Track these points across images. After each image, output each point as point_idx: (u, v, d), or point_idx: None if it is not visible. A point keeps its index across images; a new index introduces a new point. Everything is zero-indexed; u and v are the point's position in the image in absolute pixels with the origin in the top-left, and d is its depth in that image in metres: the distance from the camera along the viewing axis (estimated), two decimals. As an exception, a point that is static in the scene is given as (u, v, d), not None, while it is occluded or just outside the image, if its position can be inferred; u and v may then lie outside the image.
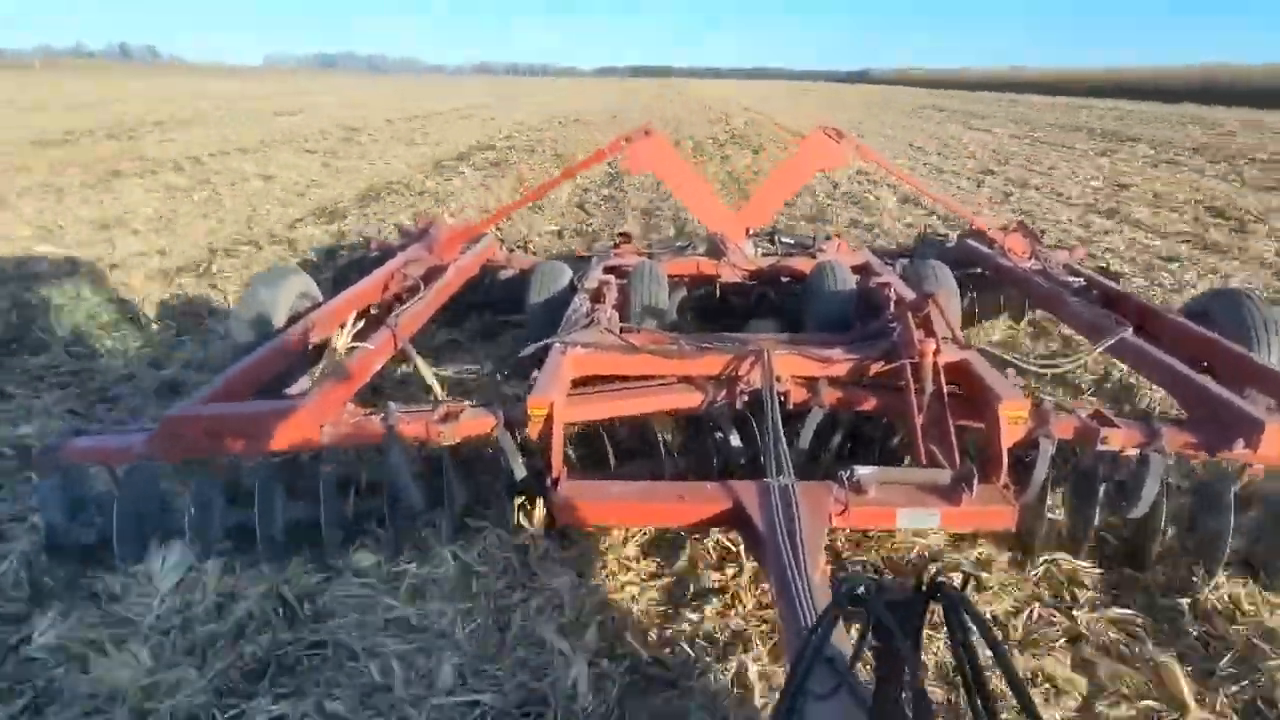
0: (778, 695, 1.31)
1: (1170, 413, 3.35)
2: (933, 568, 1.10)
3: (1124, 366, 3.72)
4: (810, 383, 2.84)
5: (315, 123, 19.58)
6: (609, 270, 4.18)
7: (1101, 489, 2.43)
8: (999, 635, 1.00)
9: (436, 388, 3.09)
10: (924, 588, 1.09)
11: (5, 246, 6.39)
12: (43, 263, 5.92)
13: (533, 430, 2.53)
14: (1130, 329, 3.17)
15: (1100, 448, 2.45)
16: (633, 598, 2.40)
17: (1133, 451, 2.44)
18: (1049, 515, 2.51)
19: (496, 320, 4.64)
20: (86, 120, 17.83)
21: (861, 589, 1.13)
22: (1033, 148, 15.91)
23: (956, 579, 1.13)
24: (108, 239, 6.84)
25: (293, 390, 2.66)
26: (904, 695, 1.18)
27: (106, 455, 2.41)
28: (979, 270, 4.62)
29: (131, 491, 2.32)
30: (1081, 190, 10.40)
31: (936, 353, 2.64)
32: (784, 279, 4.25)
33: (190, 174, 10.86)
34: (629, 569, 2.55)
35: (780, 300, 4.24)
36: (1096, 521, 2.44)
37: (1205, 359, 3.05)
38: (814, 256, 4.27)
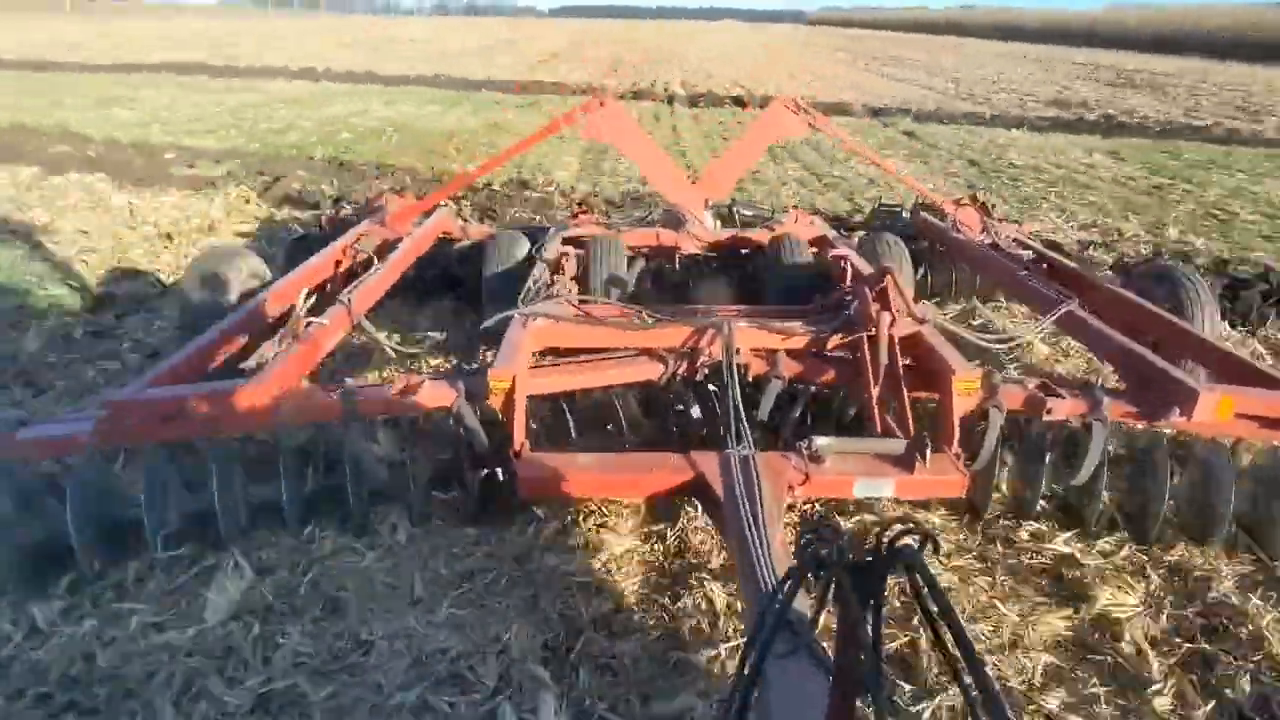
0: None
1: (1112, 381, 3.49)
2: (895, 528, 1.12)
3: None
4: (770, 355, 2.88)
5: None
6: (568, 241, 4.15)
7: (1047, 457, 2.54)
8: (949, 598, 1.04)
9: (393, 356, 3.05)
10: (883, 550, 1.12)
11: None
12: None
13: (495, 402, 2.52)
14: (1076, 302, 3.28)
15: (1046, 417, 2.54)
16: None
17: (1077, 421, 2.54)
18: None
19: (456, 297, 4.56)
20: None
21: (825, 552, 1.16)
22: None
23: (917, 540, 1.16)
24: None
25: (249, 367, 2.59)
26: (864, 656, 1.22)
27: (52, 447, 2.30)
28: (932, 244, 4.71)
29: (82, 483, 2.20)
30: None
31: (892, 325, 2.70)
32: (742, 251, 4.27)
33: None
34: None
35: (740, 273, 4.26)
36: (1043, 488, 2.54)
37: (1144, 330, 3.17)
38: (772, 229, 4.29)
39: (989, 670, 1.01)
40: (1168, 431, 2.74)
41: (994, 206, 5.36)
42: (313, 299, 3.02)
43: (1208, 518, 2.45)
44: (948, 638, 1.05)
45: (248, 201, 6.66)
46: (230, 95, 14.05)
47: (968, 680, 1.00)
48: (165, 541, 2.28)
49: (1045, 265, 4.08)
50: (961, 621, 1.02)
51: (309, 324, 2.86)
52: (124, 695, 1.93)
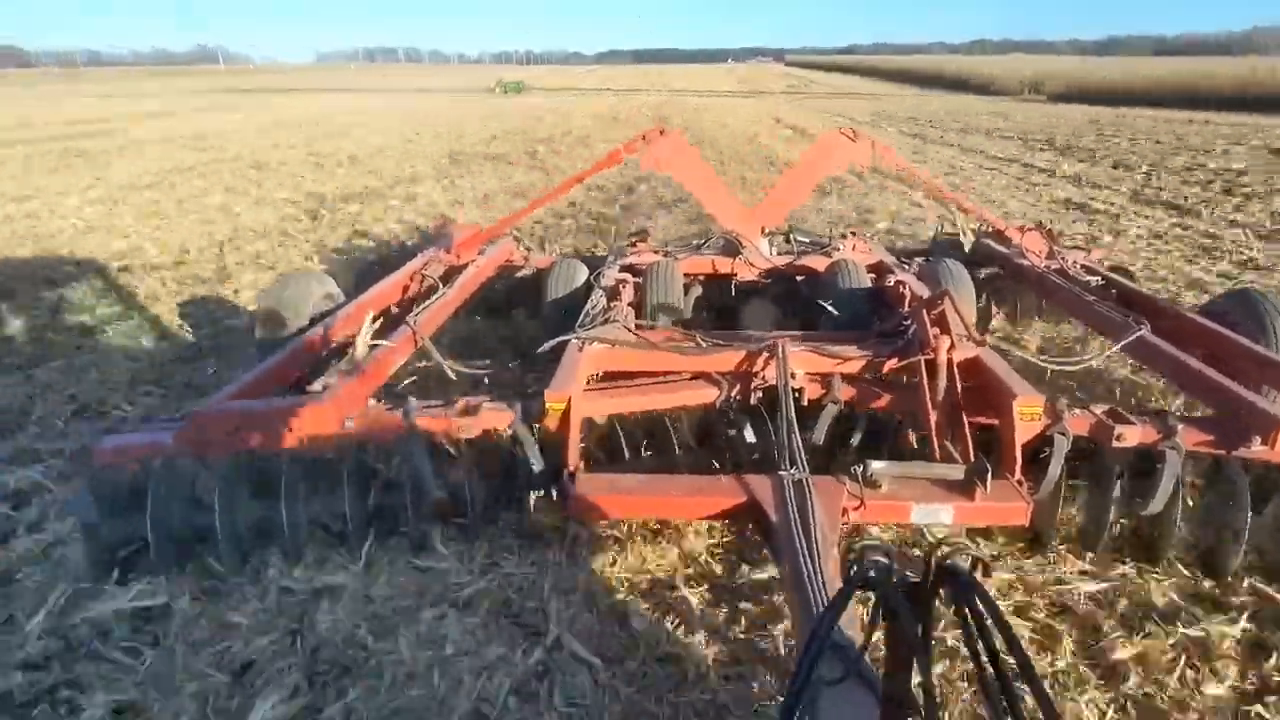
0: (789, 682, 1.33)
1: (1187, 410, 3.34)
2: (942, 550, 1.10)
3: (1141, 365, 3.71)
4: (825, 379, 2.86)
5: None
6: (625, 268, 4.22)
7: (1117, 485, 2.44)
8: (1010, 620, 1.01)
9: (454, 377, 3.14)
10: (934, 572, 1.10)
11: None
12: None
13: (550, 424, 2.56)
14: (1148, 327, 3.16)
15: (1115, 444, 2.45)
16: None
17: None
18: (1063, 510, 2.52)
19: (516, 319, 4.70)
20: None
21: (873, 573, 1.15)
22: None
23: (965, 562, 1.14)
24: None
25: (316, 387, 2.71)
26: (914, 680, 1.20)
27: (137, 453, 2.44)
28: (996, 270, 4.62)
29: (162, 490, 2.35)
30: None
31: (951, 349, 2.65)
32: (799, 278, 4.26)
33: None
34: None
35: (796, 299, 4.25)
36: (1112, 517, 2.45)
37: (1222, 357, 3.04)
38: (829, 255, 4.28)
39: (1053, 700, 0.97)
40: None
41: (1061, 234, 5.23)
42: (380, 321, 3.14)
43: None
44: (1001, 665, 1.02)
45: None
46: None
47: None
48: (231, 547, 2.39)
49: (1114, 291, 3.96)
50: (1025, 648, 0.99)
51: (375, 345, 2.97)
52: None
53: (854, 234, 4.76)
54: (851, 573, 1.17)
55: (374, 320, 3.04)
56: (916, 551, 2.61)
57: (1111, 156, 12.72)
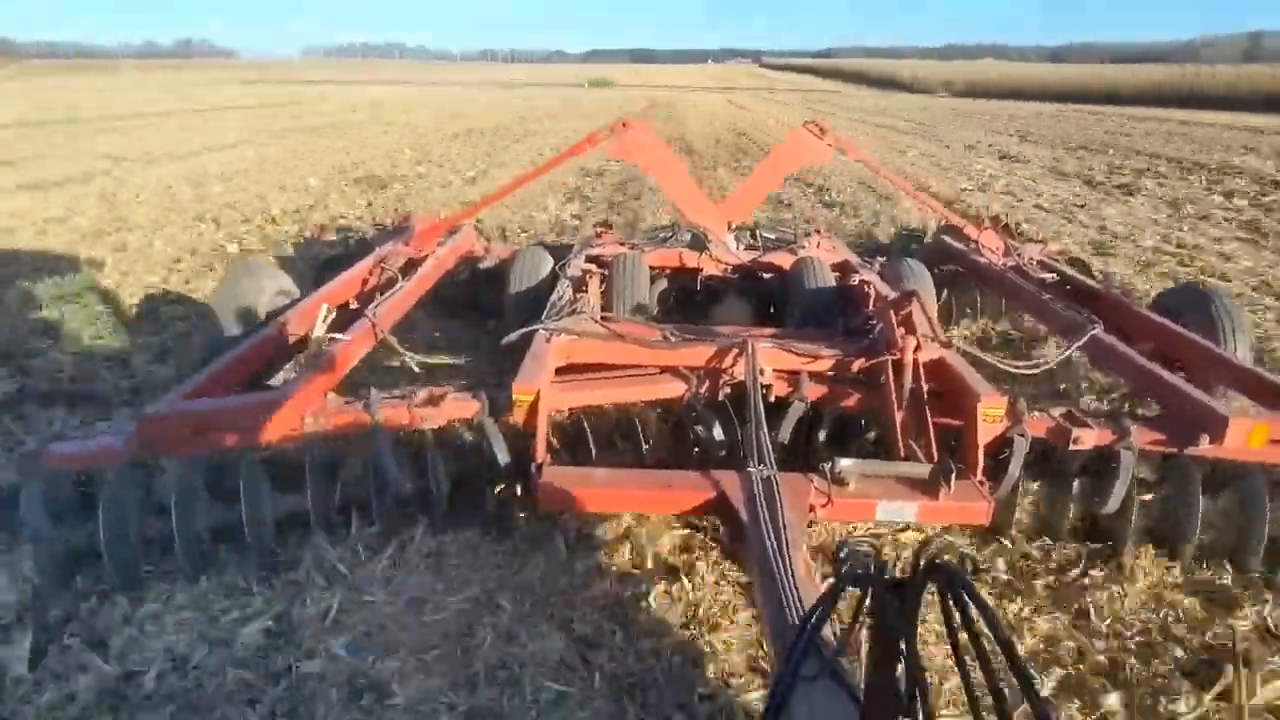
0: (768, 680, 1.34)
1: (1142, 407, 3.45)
2: (931, 548, 1.10)
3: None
4: (792, 376, 2.87)
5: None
6: (591, 259, 4.18)
7: (1075, 485, 2.50)
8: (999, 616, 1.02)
9: (417, 370, 3.08)
10: (922, 568, 1.10)
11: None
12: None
13: (518, 416, 2.53)
14: (1100, 326, 3.24)
15: (1072, 446, 2.51)
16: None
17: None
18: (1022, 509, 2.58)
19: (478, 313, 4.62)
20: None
21: (861, 571, 1.15)
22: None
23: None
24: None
25: (274, 383, 2.62)
26: (899, 677, 1.20)
27: (88, 459, 2.33)
28: (955, 267, 4.69)
29: (116, 495, 2.24)
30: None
31: (917, 350, 2.68)
32: (765, 274, 4.28)
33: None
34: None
35: (762, 296, 4.26)
36: (1070, 516, 2.51)
37: (1174, 354, 3.13)
38: (795, 253, 4.29)
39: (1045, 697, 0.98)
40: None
41: (1019, 227, 5.35)
42: (337, 315, 3.06)
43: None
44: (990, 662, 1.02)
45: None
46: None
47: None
48: (192, 552, 2.30)
49: (1069, 288, 4.05)
50: (1016, 645, 0.99)
51: (334, 339, 2.89)
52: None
53: (819, 232, 4.79)
54: (843, 570, 1.17)
55: (331, 314, 2.96)
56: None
57: (899, 117, 22.41)
